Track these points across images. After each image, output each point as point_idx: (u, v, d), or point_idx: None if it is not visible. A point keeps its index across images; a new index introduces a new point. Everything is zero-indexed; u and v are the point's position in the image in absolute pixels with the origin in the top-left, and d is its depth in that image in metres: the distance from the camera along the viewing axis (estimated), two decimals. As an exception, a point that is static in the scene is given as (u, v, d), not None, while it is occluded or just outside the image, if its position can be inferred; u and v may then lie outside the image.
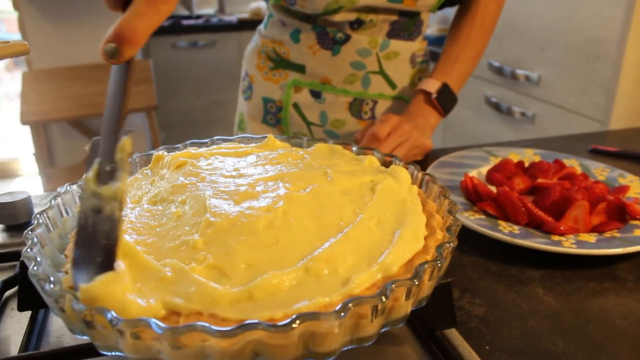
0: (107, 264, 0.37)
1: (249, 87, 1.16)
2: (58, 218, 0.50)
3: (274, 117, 1.13)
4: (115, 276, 0.36)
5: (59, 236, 0.49)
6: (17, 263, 0.62)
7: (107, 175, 0.40)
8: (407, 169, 0.57)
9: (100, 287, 0.35)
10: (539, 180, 0.81)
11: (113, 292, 0.35)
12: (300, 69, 1.08)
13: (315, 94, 1.09)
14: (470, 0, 1.08)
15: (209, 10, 3.27)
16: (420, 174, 0.57)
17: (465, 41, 1.06)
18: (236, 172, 0.53)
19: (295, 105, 1.11)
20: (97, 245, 0.38)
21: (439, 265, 0.41)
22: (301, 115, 1.11)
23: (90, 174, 0.41)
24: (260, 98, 1.14)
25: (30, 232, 0.44)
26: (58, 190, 0.53)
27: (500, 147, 0.98)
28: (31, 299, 0.50)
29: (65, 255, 0.45)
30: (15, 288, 0.58)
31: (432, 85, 1.02)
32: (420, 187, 0.57)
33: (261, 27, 1.15)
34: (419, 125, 0.98)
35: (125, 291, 0.36)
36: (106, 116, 0.41)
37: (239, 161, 0.56)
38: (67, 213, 0.52)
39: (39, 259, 0.41)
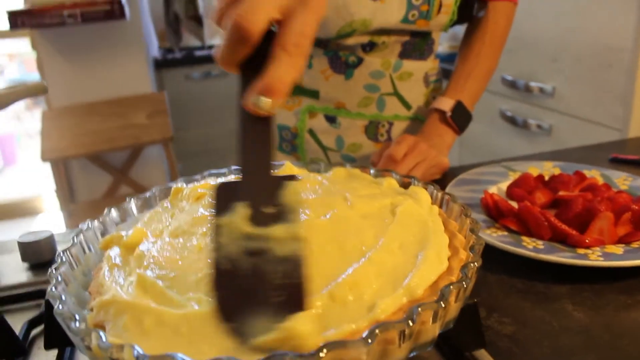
0: (295, 303, 0.37)
1: None
2: (81, 255, 0.51)
3: (290, 144, 1.14)
4: (311, 314, 0.36)
5: (83, 273, 0.49)
6: (42, 302, 0.62)
7: (268, 217, 0.40)
8: (426, 189, 0.57)
9: (300, 326, 0.34)
10: (561, 193, 0.80)
11: (309, 331, 0.35)
12: (313, 94, 1.09)
13: (330, 119, 1.09)
14: (479, 18, 1.09)
15: (220, 40, 3.32)
16: (440, 194, 0.57)
17: (477, 58, 1.06)
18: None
19: (311, 131, 1.11)
20: (268, 286, 0.37)
21: (465, 286, 0.41)
22: (317, 141, 1.12)
23: (236, 216, 0.40)
24: (274, 125, 1.14)
25: (54, 271, 0.45)
26: (80, 226, 0.53)
27: (519, 162, 0.97)
28: (57, 338, 0.50)
29: (89, 292, 0.45)
30: (41, 327, 0.58)
31: (446, 104, 1.02)
32: (440, 206, 0.56)
33: None
34: (435, 144, 0.98)
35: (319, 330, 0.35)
36: (249, 161, 0.41)
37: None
38: (90, 249, 0.52)
39: (63, 298, 0.41)
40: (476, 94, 1.07)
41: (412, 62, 1.07)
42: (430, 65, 1.11)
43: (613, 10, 1.56)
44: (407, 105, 1.10)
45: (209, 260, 0.40)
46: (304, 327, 0.35)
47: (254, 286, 0.38)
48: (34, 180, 3.91)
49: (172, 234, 0.49)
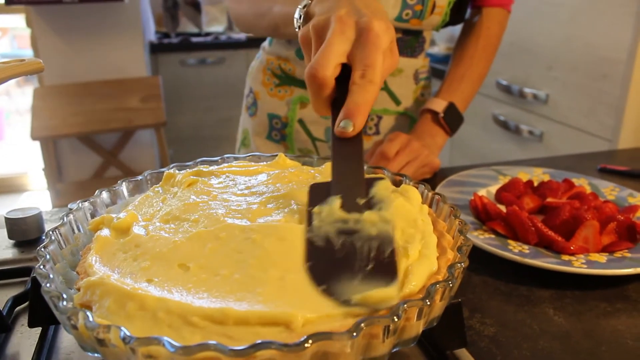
0: (390, 273, 0.41)
1: (254, 104, 1.17)
2: (70, 235, 0.50)
3: (279, 133, 1.14)
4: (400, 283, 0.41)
5: (71, 253, 0.49)
6: (28, 279, 0.62)
7: (359, 206, 0.47)
8: (417, 188, 0.58)
9: (394, 292, 0.39)
10: (549, 199, 0.81)
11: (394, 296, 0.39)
12: (305, 85, 1.09)
13: None
14: (473, 22, 1.10)
15: (218, 27, 3.31)
16: (430, 194, 0.57)
17: (470, 61, 1.08)
18: (248, 190, 0.53)
19: (301, 121, 1.12)
20: (361, 260, 0.42)
21: (451, 285, 0.41)
22: (306, 131, 1.12)
23: (330, 205, 0.46)
24: (265, 114, 1.15)
25: (42, 249, 0.45)
26: (69, 206, 0.53)
27: (509, 166, 0.98)
28: (42, 316, 0.50)
29: (77, 272, 0.45)
30: (26, 304, 0.58)
31: (438, 105, 1.03)
32: (430, 206, 0.57)
33: (265, 44, 1.16)
34: (427, 143, 0.98)
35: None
36: (341, 169, 0.49)
37: (250, 179, 0.57)
38: (79, 230, 0.52)
39: (51, 276, 0.41)
40: (468, 96, 1.08)
41: (403, 58, 1.08)
42: (420, 63, 1.12)
43: (609, 22, 1.58)
44: (397, 101, 1.11)
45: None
46: (393, 292, 0.39)
47: (346, 257, 0.42)
48: (21, 158, 3.88)
49: (162, 219, 0.49)
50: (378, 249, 0.43)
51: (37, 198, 3.61)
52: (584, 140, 1.72)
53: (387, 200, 0.47)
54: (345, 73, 0.53)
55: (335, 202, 0.47)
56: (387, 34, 0.53)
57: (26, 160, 3.78)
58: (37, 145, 2.65)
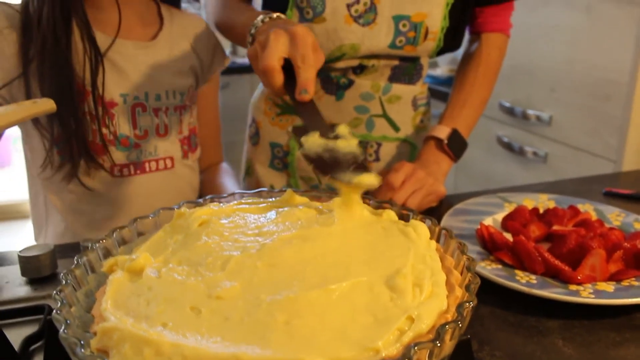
0: (366, 169, 0.61)
1: (256, 133, 1.19)
2: (84, 277, 0.51)
3: (281, 162, 1.16)
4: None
5: (85, 294, 0.50)
6: (42, 316, 0.63)
7: (332, 137, 0.65)
8: (424, 222, 0.58)
9: (369, 179, 0.59)
10: (555, 227, 0.82)
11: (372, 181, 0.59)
12: None
13: None
14: (473, 49, 1.12)
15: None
16: (437, 228, 0.58)
17: (472, 87, 1.09)
18: (258, 229, 0.54)
19: None
20: (344, 164, 0.61)
21: (460, 325, 0.42)
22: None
23: (314, 136, 0.64)
24: (267, 143, 1.16)
25: (58, 294, 0.45)
26: (82, 244, 0.54)
27: (515, 193, 0.98)
28: (57, 358, 0.51)
29: (92, 315, 0.46)
30: (40, 343, 0.59)
31: (442, 132, 1.04)
32: (437, 241, 0.57)
33: None
34: (432, 171, 0.99)
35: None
36: (311, 120, 0.69)
37: (259, 218, 0.58)
38: (93, 271, 0.53)
39: (68, 322, 0.42)
40: (471, 122, 1.09)
41: (401, 85, 1.10)
42: (418, 90, 1.13)
43: (610, 45, 1.59)
44: (396, 127, 1.12)
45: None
46: (369, 179, 0.59)
47: (335, 162, 0.62)
48: (24, 184, 3.90)
49: (175, 261, 0.50)
50: (354, 158, 0.62)
51: (44, 224, 3.62)
52: (589, 161, 1.72)
53: (347, 135, 0.65)
54: (288, 72, 0.72)
55: (315, 134, 0.65)
56: (309, 35, 0.72)
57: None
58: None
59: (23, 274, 0.71)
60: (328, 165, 0.61)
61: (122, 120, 0.98)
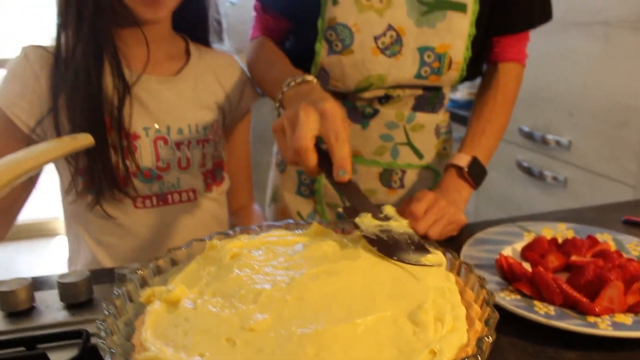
0: (426, 249, 0.61)
1: (283, 161, 1.22)
2: (123, 306, 0.55)
3: (308, 189, 1.19)
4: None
5: (125, 323, 0.53)
6: (80, 341, 0.66)
7: (383, 218, 0.66)
8: (444, 255, 0.61)
9: (436, 259, 0.59)
10: (573, 257, 0.83)
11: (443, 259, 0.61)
12: None
13: None
14: (490, 78, 1.15)
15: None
16: (457, 262, 0.60)
17: (490, 115, 1.12)
18: (287, 262, 0.57)
19: None
20: (404, 244, 0.62)
21: (480, 359, 0.44)
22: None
23: (368, 217, 0.65)
24: (294, 170, 1.20)
25: (101, 324, 0.49)
26: (116, 271, 0.56)
27: (534, 222, 1.00)
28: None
29: (133, 344, 0.49)
30: (78, 367, 0.62)
31: (462, 160, 1.07)
32: (458, 274, 0.60)
33: None
34: (453, 199, 1.02)
35: None
36: (356, 201, 0.68)
37: (287, 250, 0.61)
38: (130, 300, 0.56)
39: (113, 350, 0.45)
40: (490, 149, 1.12)
41: (424, 114, 1.13)
42: (441, 118, 1.16)
43: (627, 71, 1.61)
44: (420, 155, 1.16)
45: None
46: (436, 259, 0.59)
47: (395, 244, 0.62)
48: (53, 202, 3.98)
49: (209, 293, 0.53)
50: (410, 238, 0.63)
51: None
52: (608, 186, 1.73)
53: (396, 215, 0.67)
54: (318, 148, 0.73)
55: (368, 215, 0.65)
56: (338, 110, 0.73)
57: (58, 205, 3.87)
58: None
59: (61, 299, 0.74)
60: (390, 247, 0.61)
61: (144, 153, 1.00)
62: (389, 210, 0.67)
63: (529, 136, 2.01)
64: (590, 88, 1.75)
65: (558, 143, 1.89)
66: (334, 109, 0.73)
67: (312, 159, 0.71)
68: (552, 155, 1.94)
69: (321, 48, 1.05)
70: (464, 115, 2.23)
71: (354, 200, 0.68)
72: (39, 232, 3.80)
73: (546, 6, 1.12)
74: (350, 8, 1.01)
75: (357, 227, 0.64)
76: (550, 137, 1.91)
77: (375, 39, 1.02)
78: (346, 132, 0.72)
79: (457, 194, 1.05)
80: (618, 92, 1.66)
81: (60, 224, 3.84)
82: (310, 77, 0.88)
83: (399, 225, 0.65)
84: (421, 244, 0.62)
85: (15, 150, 0.96)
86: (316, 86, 0.86)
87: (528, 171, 2.02)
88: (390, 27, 1.02)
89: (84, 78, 0.91)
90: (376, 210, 0.67)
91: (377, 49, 1.03)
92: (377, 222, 0.64)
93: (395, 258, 0.58)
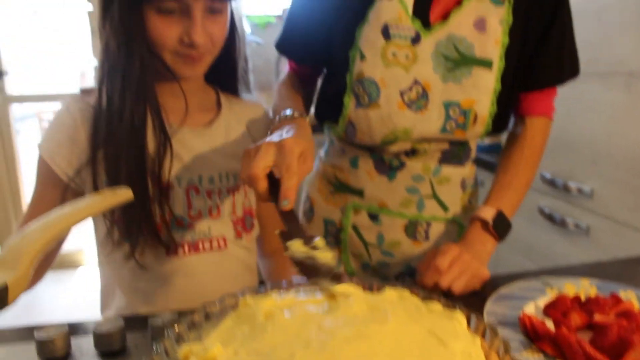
0: (339, 279, 0.72)
1: (310, 209, 1.25)
2: (161, 361, 0.57)
3: (334, 238, 1.21)
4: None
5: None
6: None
7: (312, 247, 0.76)
8: (469, 318, 0.63)
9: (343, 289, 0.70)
10: (596, 317, 0.84)
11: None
12: (359, 193, 1.17)
13: (373, 217, 1.17)
14: (518, 132, 1.17)
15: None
16: (482, 326, 0.62)
17: (516, 169, 1.14)
18: (318, 324, 0.59)
19: (354, 227, 1.19)
20: (323, 272, 0.73)
21: None
22: (359, 236, 1.19)
23: (299, 243, 0.75)
24: (321, 219, 1.22)
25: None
26: (150, 320, 0.59)
27: (556, 277, 1.01)
28: None
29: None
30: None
31: (488, 213, 1.08)
32: (482, 336, 0.61)
33: (322, 153, 1.26)
34: (477, 252, 1.03)
35: None
36: (293, 228, 0.78)
37: (318, 310, 0.63)
38: (168, 356, 0.59)
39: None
40: (516, 203, 1.13)
41: (451, 168, 1.15)
42: (467, 171, 1.18)
43: (652, 123, 1.62)
44: (445, 208, 1.17)
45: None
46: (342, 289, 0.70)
47: (315, 269, 0.73)
48: (76, 234, 4.05)
49: (244, 352, 0.55)
50: (330, 269, 0.73)
51: (90, 274, 3.74)
52: (632, 235, 1.72)
53: (324, 248, 0.76)
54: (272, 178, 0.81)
55: (299, 241, 0.75)
56: (297, 146, 0.80)
57: (81, 236, 3.94)
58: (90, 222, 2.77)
59: (96, 347, 0.77)
60: (310, 271, 0.73)
61: (176, 202, 1.03)
62: (320, 242, 0.76)
63: (551, 183, 2.01)
64: (613, 137, 1.76)
65: (580, 191, 1.89)
66: (293, 144, 0.80)
67: (261, 186, 0.79)
68: (574, 203, 1.94)
69: (349, 102, 1.09)
70: (486, 159, 2.25)
71: (291, 227, 0.78)
72: (63, 263, 3.86)
73: (574, 62, 1.14)
74: (377, 63, 1.05)
75: (286, 249, 0.75)
76: (572, 184, 1.92)
77: (402, 93, 1.05)
78: (303, 168, 0.81)
79: (482, 247, 1.06)
80: (639, 140, 1.67)
81: (84, 256, 3.90)
82: (296, 114, 0.96)
83: (324, 257, 0.74)
84: (338, 275, 0.73)
85: (54, 196, 1.01)
86: (297, 121, 0.94)
87: (550, 218, 2.03)
88: (416, 82, 1.05)
89: (129, 133, 0.95)
90: (308, 240, 0.76)
91: (403, 103, 1.06)
92: (305, 249, 0.74)
93: (310, 280, 0.71)
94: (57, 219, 0.64)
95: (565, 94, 1.83)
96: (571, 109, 1.91)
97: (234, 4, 1.03)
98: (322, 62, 1.18)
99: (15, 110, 3.60)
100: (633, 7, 1.66)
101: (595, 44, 1.78)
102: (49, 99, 3.84)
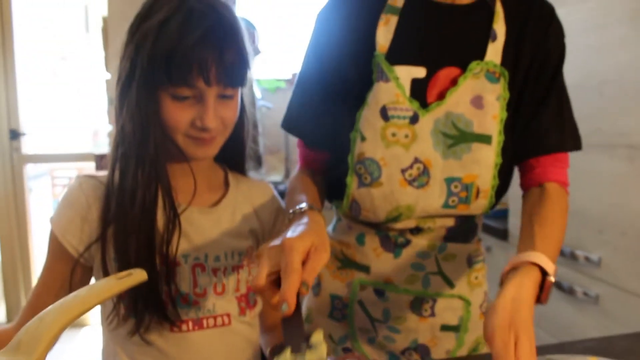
0: None
1: (318, 284, 1.25)
2: None
3: (340, 313, 1.21)
4: None
5: None
6: None
7: (305, 347, 0.76)
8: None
9: None
10: (604, 399, 0.84)
11: None
12: (365, 269, 1.18)
13: (379, 293, 1.18)
14: (542, 196, 1.08)
15: (276, 177, 3.52)
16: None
17: (553, 225, 1.03)
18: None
19: (360, 302, 1.19)
20: None
21: None
22: (365, 312, 1.19)
23: (287, 354, 0.75)
24: (328, 294, 1.23)
25: None
26: None
27: (563, 356, 1.01)
28: None
29: None
30: None
31: (548, 265, 0.91)
32: None
33: (330, 229, 1.27)
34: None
35: None
36: (290, 332, 0.77)
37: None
38: None
39: None
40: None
41: (456, 245, 1.15)
42: (473, 248, 1.19)
43: (656, 193, 1.64)
44: (451, 284, 1.17)
45: None
46: None
47: None
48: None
49: None
50: None
51: (96, 333, 3.72)
52: (641, 305, 1.71)
53: (319, 343, 0.77)
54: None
55: (287, 351, 0.74)
56: (300, 242, 0.78)
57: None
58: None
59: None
60: None
61: (182, 279, 1.05)
62: (316, 337, 0.77)
63: (558, 250, 2.02)
64: (617, 207, 1.78)
65: (587, 259, 1.89)
66: (294, 242, 0.78)
67: (268, 296, 0.78)
68: (582, 271, 1.94)
69: (352, 181, 1.10)
70: (492, 225, 2.27)
71: (287, 335, 0.76)
72: (68, 323, 3.84)
73: (575, 133, 1.13)
74: (377, 143, 1.06)
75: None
76: (579, 252, 1.92)
77: (403, 171, 1.06)
78: (318, 258, 0.78)
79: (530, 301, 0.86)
80: (645, 211, 1.68)
81: (88, 316, 3.88)
82: (304, 206, 0.95)
83: (314, 358, 0.75)
84: None
85: (64, 269, 1.04)
86: (305, 214, 0.93)
87: (558, 285, 2.02)
88: (416, 160, 1.06)
89: (140, 212, 0.98)
90: (302, 342, 0.76)
91: (404, 180, 1.07)
92: (292, 357, 0.74)
93: None
94: (75, 303, 0.66)
95: (570, 163, 1.86)
96: (576, 178, 1.92)
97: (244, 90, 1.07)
98: (326, 146, 1.18)
99: (29, 169, 3.68)
100: (632, 81, 1.71)
101: (597, 116, 1.82)
102: (63, 159, 3.93)
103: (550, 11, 1.13)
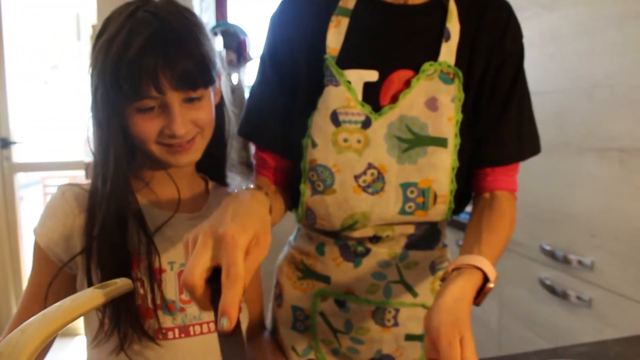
0: None
1: (280, 295, 1.23)
2: None
3: (303, 324, 1.20)
4: None
5: None
6: None
7: None
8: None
9: None
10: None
11: None
12: (325, 279, 1.16)
13: (340, 303, 1.15)
14: (492, 203, 1.07)
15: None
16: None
17: (501, 232, 1.02)
18: None
19: (322, 314, 1.17)
20: None
21: None
22: (327, 323, 1.17)
23: None
24: (289, 306, 1.21)
25: None
26: None
27: (557, 361, 1.00)
28: None
29: None
30: None
31: (490, 270, 0.90)
32: None
33: (291, 238, 1.25)
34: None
35: None
36: (229, 353, 0.62)
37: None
38: None
39: None
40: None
41: (419, 252, 1.13)
42: (437, 254, 1.16)
43: (648, 197, 1.64)
44: (414, 293, 1.15)
45: None
46: None
47: None
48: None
49: None
50: None
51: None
52: (634, 309, 1.71)
53: None
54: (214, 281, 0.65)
55: None
56: (243, 234, 0.66)
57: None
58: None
59: None
60: None
61: (168, 286, 1.04)
62: None
63: (551, 254, 2.01)
64: (609, 211, 1.78)
65: (580, 263, 1.89)
66: (236, 234, 0.66)
67: (198, 296, 0.65)
68: (575, 275, 1.94)
69: (305, 189, 1.07)
70: (457, 220, 2.27)
71: (231, 353, 0.62)
72: (61, 332, 3.80)
73: (534, 139, 1.11)
74: (328, 149, 1.03)
75: None
76: (572, 256, 1.92)
77: (356, 177, 1.03)
78: (251, 261, 0.66)
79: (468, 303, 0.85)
80: (637, 215, 1.68)
81: (79, 325, 3.85)
82: (252, 186, 0.87)
83: None
84: None
85: (49, 278, 1.03)
86: (248, 192, 0.83)
87: (551, 289, 2.01)
88: (370, 166, 1.03)
89: (112, 225, 0.98)
90: None
91: (358, 187, 1.03)
92: None
93: None
94: (58, 314, 0.65)
95: (562, 167, 1.87)
96: (569, 182, 1.93)
97: (223, 88, 1.07)
98: (281, 151, 1.13)
99: (20, 177, 3.65)
100: (623, 85, 1.71)
101: (588, 120, 1.82)
102: (55, 167, 3.90)
103: (508, 11, 1.08)
